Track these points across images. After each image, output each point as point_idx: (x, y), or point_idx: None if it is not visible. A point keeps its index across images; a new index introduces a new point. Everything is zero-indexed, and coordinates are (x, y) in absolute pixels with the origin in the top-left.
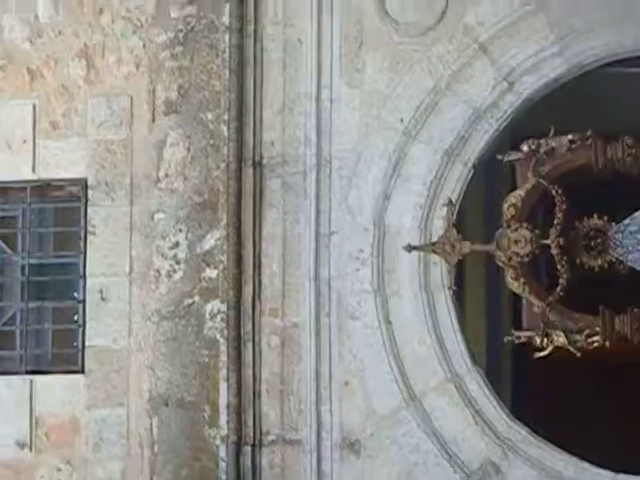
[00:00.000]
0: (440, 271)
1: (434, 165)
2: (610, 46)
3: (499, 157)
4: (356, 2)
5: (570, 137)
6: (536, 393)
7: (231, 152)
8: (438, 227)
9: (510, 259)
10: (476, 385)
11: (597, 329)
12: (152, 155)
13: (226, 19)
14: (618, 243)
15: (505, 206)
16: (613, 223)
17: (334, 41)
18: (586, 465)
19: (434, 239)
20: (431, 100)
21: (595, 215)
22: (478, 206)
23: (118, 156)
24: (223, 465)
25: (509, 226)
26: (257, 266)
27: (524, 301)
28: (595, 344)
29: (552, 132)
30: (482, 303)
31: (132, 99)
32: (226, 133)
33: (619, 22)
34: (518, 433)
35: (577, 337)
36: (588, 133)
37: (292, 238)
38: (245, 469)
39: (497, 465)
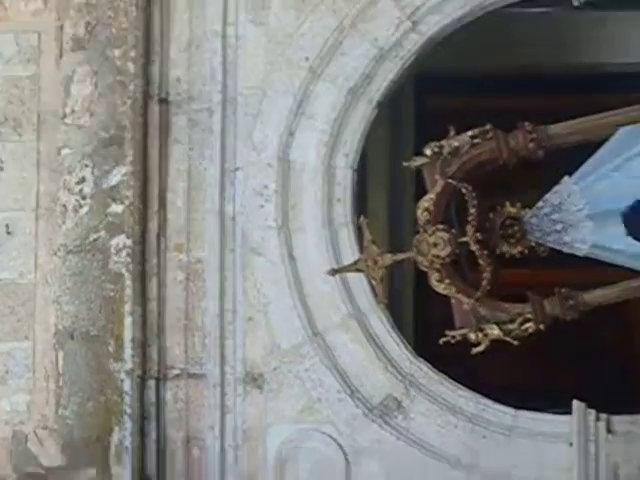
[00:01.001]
0: (343, 207)
1: (338, 103)
2: None
3: (405, 164)
4: None
5: (470, 133)
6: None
7: (137, 89)
8: (340, 164)
9: (432, 262)
10: (378, 322)
11: (529, 315)
12: (59, 91)
13: None
14: (535, 227)
15: (419, 212)
16: (527, 209)
17: None
18: (488, 402)
19: (337, 176)
20: (335, 39)
21: (507, 203)
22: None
23: (25, 92)
24: (127, 399)
25: (426, 230)
26: (162, 202)
27: (453, 300)
28: (530, 330)
29: (452, 132)
30: (385, 233)
31: (40, 35)
32: (132, 70)
33: None
34: (419, 369)
35: (511, 327)
36: (487, 127)
37: (197, 174)
38: (149, 403)
39: (399, 400)
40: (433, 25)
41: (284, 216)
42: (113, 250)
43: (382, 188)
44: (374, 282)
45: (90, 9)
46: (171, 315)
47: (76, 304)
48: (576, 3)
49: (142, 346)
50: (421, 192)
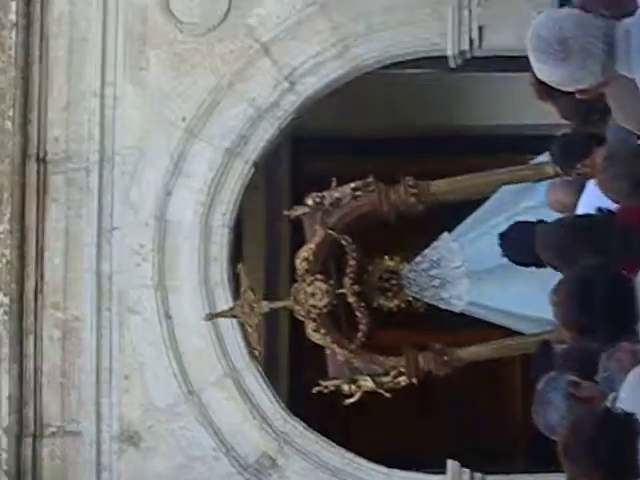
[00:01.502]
0: (220, 266)
1: (215, 163)
2: (388, 49)
3: (285, 213)
4: (141, 1)
5: (353, 185)
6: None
7: (15, 147)
8: (217, 222)
9: (309, 312)
10: (253, 379)
11: (402, 369)
12: None
13: (13, 17)
14: (412, 282)
15: (298, 261)
16: (405, 263)
17: (118, 39)
18: (362, 461)
19: (213, 235)
20: (213, 99)
21: (386, 256)
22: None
23: None
24: (4, 455)
25: (304, 280)
26: (39, 260)
27: (327, 351)
28: (403, 383)
29: (334, 183)
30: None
31: None
32: (11, 129)
33: (398, 26)
34: (294, 428)
35: (384, 379)
36: (369, 179)
37: (75, 233)
38: (26, 460)
39: (274, 459)
40: (310, 86)
41: (160, 275)
42: None
43: (259, 243)
44: (249, 329)
45: None
46: (48, 373)
47: None
48: (453, 65)
49: (19, 403)
50: (297, 245)
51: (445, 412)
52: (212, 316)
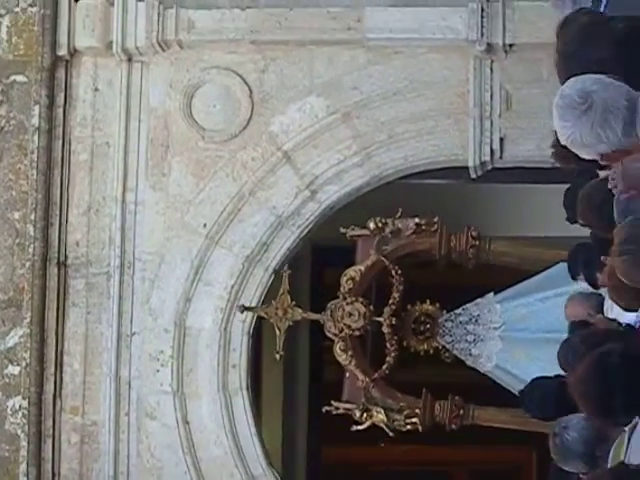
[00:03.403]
0: (238, 374)
1: (235, 270)
2: (409, 159)
3: (342, 231)
4: (164, 108)
5: (417, 220)
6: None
7: (36, 251)
8: (238, 330)
9: (341, 330)
10: None
11: (417, 411)
12: None
13: (35, 120)
14: (447, 331)
15: (344, 279)
16: (444, 311)
17: (141, 145)
18: None
19: (233, 342)
20: (234, 206)
21: (428, 301)
22: None
23: None
24: None
25: (344, 298)
26: (59, 364)
27: (347, 374)
28: (409, 426)
29: (400, 213)
30: (279, 405)
31: None
32: (32, 232)
33: (420, 135)
34: None
35: (397, 416)
36: (435, 219)
37: (94, 337)
38: None
39: None
40: (332, 194)
41: (179, 381)
42: (9, 411)
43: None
44: (277, 332)
45: None
46: (65, 476)
47: None
48: (473, 175)
49: None
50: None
51: None
52: (245, 308)
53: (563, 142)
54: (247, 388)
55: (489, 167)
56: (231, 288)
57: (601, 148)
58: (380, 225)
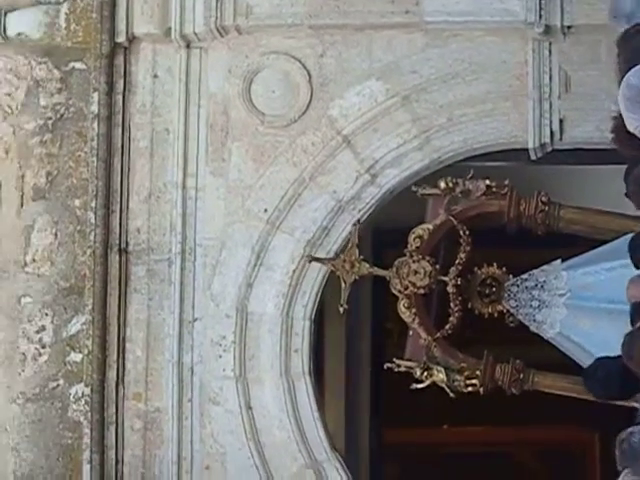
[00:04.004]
0: (301, 358)
1: (297, 255)
2: (469, 142)
3: (414, 189)
4: (223, 93)
5: (488, 182)
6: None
7: (97, 238)
8: (299, 314)
9: (406, 288)
10: (335, 471)
11: (477, 373)
12: (20, 240)
13: (95, 107)
14: (512, 295)
15: (412, 237)
16: (511, 275)
17: (201, 131)
18: None
19: (295, 327)
20: (294, 191)
21: (495, 264)
22: None
23: None
24: None
25: (411, 256)
26: (121, 351)
27: (410, 332)
28: (471, 388)
29: (471, 174)
30: (341, 389)
31: (1, 184)
32: (93, 220)
33: (479, 118)
34: None
35: (457, 377)
36: (506, 182)
37: (156, 324)
38: None
39: None
40: (392, 178)
41: (242, 366)
42: (72, 398)
43: (339, 334)
44: (343, 285)
45: (51, 159)
46: (129, 463)
47: (34, 452)
48: (533, 157)
49: None
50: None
51: None
52: (312, 258)
53: (631, 131)
54: (309, 373)
55: (549, 149)
56: (292, 273)
57: None
58: (451, 185)
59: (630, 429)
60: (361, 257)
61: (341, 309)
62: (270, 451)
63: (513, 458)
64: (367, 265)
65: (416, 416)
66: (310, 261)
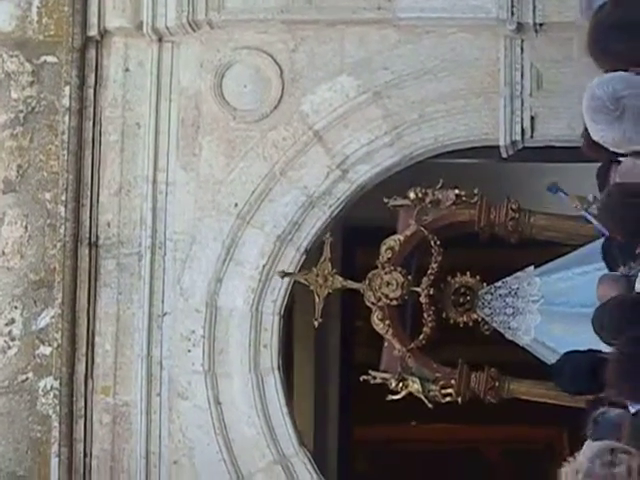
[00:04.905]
0: (270, 354)
1: (267, 250)
2: (440, 139)
3: (385, 200)
4: (194, 88)
5: (457, 192)
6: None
7: (67, 232)
8: (269, 310)
9: (379, 300)
10: (303, 467)
11: (452, 382)
12: None
13: (66, 101)
14: (486, 304)
15: (383, 248)
16: (484, 283)
17: (172, 125)
18: None
19: (264, 322)
20: (265, 186)
21: (468, 273)
22: None
23: None
24: None
25: (383, 268)
26: (90, 344)
27: (385, 343)
28: (447, 398)
29: (440, 184)
30: (310, 385)
31: None
32: (63, 213)
33: (450, 115)
34: None
35: (432, 387)
36: (475, 191)
37: (125, 318)
38: None
39: None
40: (363, 174)
41: (211, 361)
42: (41, 392)
43: (309, 329)
44: (317, 299)
45: (22, 152)
46: (97, 457)
47: (3, 444)
48: (504, 154)
49: None
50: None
51: None
52: (285, 274)
53: (596, 140)
54: (279, 368)
55: (520, 146)
56: (262, 268)
57: (634, 148)
58: (420, 195)
59: (601, 409)
60: (334, 270)
61: (316, 323)
62: (239, 446)
63: (481, 455)
64: (340, 279)
65: (385, 413)
66: (283, 277)
